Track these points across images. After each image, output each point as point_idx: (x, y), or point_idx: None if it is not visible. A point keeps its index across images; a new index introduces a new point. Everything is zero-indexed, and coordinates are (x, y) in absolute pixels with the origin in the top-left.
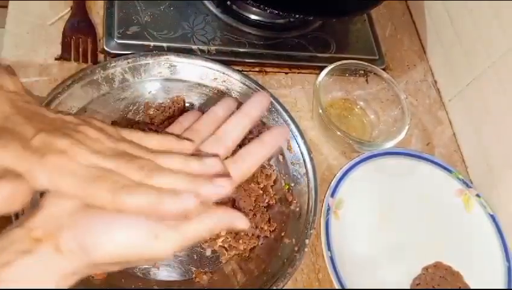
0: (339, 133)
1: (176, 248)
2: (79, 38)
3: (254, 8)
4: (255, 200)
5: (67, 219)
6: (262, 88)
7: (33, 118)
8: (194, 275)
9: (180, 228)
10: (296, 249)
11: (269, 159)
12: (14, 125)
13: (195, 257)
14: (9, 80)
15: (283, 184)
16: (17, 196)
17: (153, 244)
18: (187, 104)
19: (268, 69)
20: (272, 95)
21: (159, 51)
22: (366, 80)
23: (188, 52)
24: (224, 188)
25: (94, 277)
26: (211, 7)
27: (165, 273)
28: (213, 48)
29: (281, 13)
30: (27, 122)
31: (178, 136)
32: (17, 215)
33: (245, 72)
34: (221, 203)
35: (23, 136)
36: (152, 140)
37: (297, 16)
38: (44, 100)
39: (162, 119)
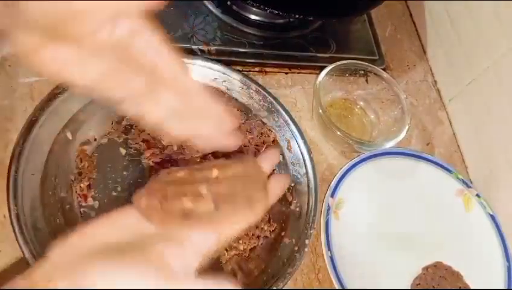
0: (339, 133)
1: None
2: None
3: (254, 8)
4: None
5: (67, 266)
6: (263, 88)
7: None
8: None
9: None
10: (296, 249)
11: None
12: None
13: None
14: None
15: None
16: None
17: None
18: None
19: (268, 69)
20: (272, 95)
21: None
22: (366, 80)
23: (188, 52)
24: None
25: None
26: (211, 7)
27: None
28: (213, 48)
29: (281, 13)
30: None
31: None
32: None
33: (245, 72)
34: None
35: None
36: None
37: (297, 16)
38: (44, 100)
39: None
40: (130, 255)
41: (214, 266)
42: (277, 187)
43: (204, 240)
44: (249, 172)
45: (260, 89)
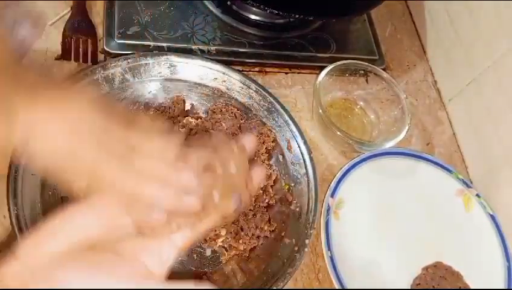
0: (339, 133)
1: None
2: (79, 38)
3: (254, 8)
4: (255, 200)
5: (40, 270)
6: (263, 88)
7: None
8: (193, 276)
9: None
10: (296, 249)
11: (269, 159)
12: None
13: (195, 257)
14: None
15: (283, 184)
16: None
17: None
18: (187, 104)
19: (268, 69)
20: (272, 95)
21: (159, 51)
22: (366, 80)
23: (188, 52)
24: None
25: None
26: (211, 7)
27: None
28: (213, 48)
29: (281, 13)
30: None
31: None
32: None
33: (245, 72)
34: None
35: None
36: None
37: (297, 16)
38: None
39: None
40: (101, 254)
41: (214, 266)
42: (258, 177)
43: (182, 233)
44: (228, 160)
45: (260, 89)
